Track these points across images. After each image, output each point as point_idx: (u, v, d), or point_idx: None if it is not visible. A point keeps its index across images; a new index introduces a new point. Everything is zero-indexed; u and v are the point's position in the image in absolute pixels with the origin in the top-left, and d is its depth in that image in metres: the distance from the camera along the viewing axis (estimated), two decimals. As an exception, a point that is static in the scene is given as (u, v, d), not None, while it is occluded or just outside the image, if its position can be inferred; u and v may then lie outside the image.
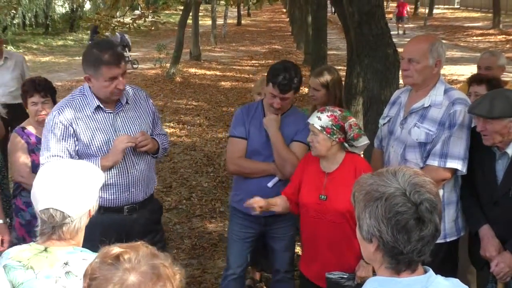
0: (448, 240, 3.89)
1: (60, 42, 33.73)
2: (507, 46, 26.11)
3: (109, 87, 3.78)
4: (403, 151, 3.90)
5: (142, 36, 33.24)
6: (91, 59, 3.77)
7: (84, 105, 3.87)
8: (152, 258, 1.75)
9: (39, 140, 4.77)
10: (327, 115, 3.73)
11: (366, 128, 5.44)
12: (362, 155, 4.68)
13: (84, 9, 38.44)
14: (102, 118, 3.88)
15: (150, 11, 13.17)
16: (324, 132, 3.71)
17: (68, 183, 2.35)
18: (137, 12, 18.66)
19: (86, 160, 3.72)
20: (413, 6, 50.09)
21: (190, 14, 23.41)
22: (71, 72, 22.90)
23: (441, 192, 3.81)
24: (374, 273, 3.70)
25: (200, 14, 27.95)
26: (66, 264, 2.29)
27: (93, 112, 3.86)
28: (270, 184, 4.31)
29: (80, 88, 3.97)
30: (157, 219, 4.35)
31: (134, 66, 22.75)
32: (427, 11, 43.69)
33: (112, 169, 3.84)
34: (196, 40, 24.46)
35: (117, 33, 21.87)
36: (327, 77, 4.89)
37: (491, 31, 31.94)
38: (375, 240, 1.90)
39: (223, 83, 19.08)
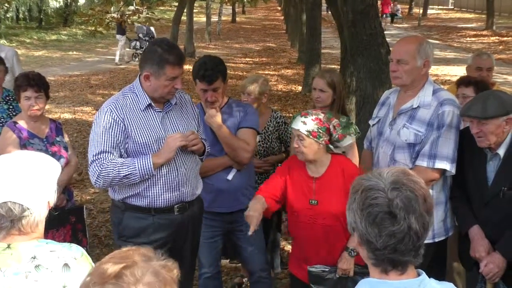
0: (436, 240, 3.90)
1: (53, 37, 33.64)
2: (500, 47, 26.22)
3: (168, 87, 3.80)
4: (392, 151, 3.90)
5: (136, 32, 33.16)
6: (155, 58, 3.75)
7: (135, 103, 3.86)
8: (150, 262, 1.69)
9: (31, 135, 4.76)
10: (311, 119, 3.72)
11: (359, 127, 5.44)
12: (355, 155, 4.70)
13: (78, 3, 38.37)
14: (152, 116, 3.88)
15: (145, 7, 13.15)
16: (311, 136, 3.69)
17: (24, 175, 2.27)
18: (131, 7, 18.70)
19: (136, 158, 3.76)
20: (408, 6, 50.25)
21: (185, 10, 23.41)
22: (64, 67, 22.88)
23: (429, 192, 3.82)
24: (355, 265, 3.77)
25: (194, 10, 27.95)
26: (34, 258, 2.22)
27: (144, 110, 3.86)
28: (229, 177, 4.35)
29: (130, 86, 3.96)
30: (201, 216, 4.37)
31: None
32: (421, 11, 43.79)
33: (162, 168, 3.82)
34: (190, 37, 24.46)
35: (143, 26, 23.25)
36: (333, 78, 4.77)
37: (484, 32, 32.06)
38: (356, 232, 1.93)
39: (216, 80, 19.01)
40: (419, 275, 1.94)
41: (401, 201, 1.85)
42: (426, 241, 3.82)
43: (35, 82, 4.71)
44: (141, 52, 23.34)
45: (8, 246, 2.25)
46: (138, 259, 1.68)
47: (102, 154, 3.72)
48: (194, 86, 4.40)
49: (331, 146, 3.82)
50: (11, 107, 5.50)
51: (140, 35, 24.37)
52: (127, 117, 3.79)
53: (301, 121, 3.72)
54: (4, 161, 2.34)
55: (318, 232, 3.79)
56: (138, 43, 24.22)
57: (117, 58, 23.88)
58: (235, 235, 4.54)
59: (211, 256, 4.57)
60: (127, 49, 24.78)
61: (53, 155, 4.80)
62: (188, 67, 20.58)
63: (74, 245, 2.37)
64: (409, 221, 1.84)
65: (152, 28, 24.17)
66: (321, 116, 3.76)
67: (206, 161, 4.30)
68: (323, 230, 3.77)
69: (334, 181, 3.70)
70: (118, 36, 23.57)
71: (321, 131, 3.71)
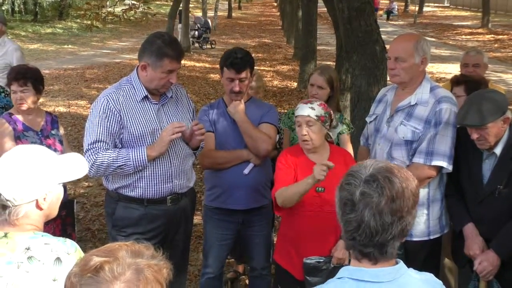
0: (431, 237, 3.91)
1: (48, 30, 33.50)
2: (495, 45, 26.28)
3: (164, 79, 3.83)
4: (390, 149, 3.91)
5: (131, 26, 33.12)
6: (154, 49, 3.79)
7: (132, 94, 3.89)
8: (135, 259, 1.68)
9: (25, 127, 4.76)
10: (317, 104, 3.81)
11: (354, 124, 5.45)
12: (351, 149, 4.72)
13: (74, -3, 38.15)
14: (148, 108, 3.91)
15: (141, 2, 13.09)
16: (319, 121, 3.76)
17: (13, 168, 2.30)
18: (127, 1, 18.67)
19: (130, 149, 3.80)
20: (404, 4, 50.26)
21: (181, 5, 23.37)
22: (59, 60, 22.80)
23: (426, 190, 3.85)
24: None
25: (190, 5, 27.93)
26: (28, 249, 2.24)
27: (140, 101, 3.89)
28: (246, 171, 4.31)
29: (128, 78, 4.00)
30: (193, 208, 4.41)
31: (213, 46, 26.89)
32: (417, 8, 43.82)
33: (156, 159, 3.86)
34: (186, 32, 24.41)
35: (201, 17, 27.40)
36: (331, 74, 4.80)
37: (480, 30, 32.12)
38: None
39: (212, 75, 19.03)
40: (396, 263, 1.97)
41: (361, 194, 1.90)
42: (421, 238, 3.85)
43: (21, 76, 4.68)
44: (197, 41, 26.71)
45: (5, 235, 2.28)
46: (122, 255, 1.68)
47: (97, 143, 3.77)
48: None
49: (329, 133, 3.88)
50: None
51: (198, 25, 26.64)
52: (123, 108, 3.83)
53: (309, 107, 3.78)
54: (10, 152, 2.39)
55: (324, 221, 3.77)
56: (196, 33, 26.88)
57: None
58: (245, 234, 4.53)
59: (219, 259, 4.56)
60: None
61: (48, 148, 4.79)
62: (183, 62, 20.54)
63: (68, 240, 2.38)
64: (363, 214, 1.89)
65: (208, 19, 27.55)
66: (323, 101, 3.89)
67: (224, 153, 4.33)
68: (331, 217, 3.73)
69: (338, 167, 3.62)
70: (179, 25, 25.51)
71: (327, 116, 3.80)
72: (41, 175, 2.35)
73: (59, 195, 2.49)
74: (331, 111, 3.89)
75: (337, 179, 3.67)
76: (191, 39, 26.07)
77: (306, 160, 3.89)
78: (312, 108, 3.78)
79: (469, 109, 3.56)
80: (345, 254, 3.76)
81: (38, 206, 2.37)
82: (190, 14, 25.56)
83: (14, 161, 2.32)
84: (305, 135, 3.78)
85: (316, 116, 3.75)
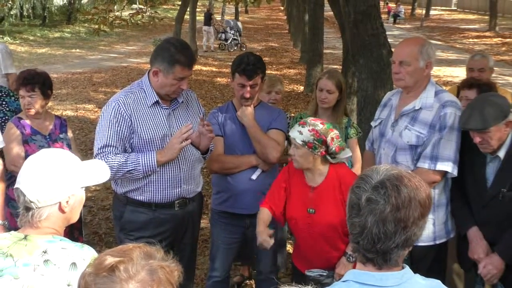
0: (437, 242, 3.90)
1: (57, 34, 33.66)
2: (503, 49, 26.23)
3: (174, 86, 3.84)
4: (394, 153, 3.90)
5: (139, 30, 33.20)
6: (166, 56, 3.80)
7: (142, 99, 3.90)
8: (148, 260, 1.71)
9: (34, 131, 4.79)
10: (308, 130, 3.62)
11: (360, 127, 5.45)
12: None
13: (82, 1, 38.34)
14: (158, 113, 3.93)
15: (148, 7, 13.14)
16: (306, 147, 3.62)
17: (38, 170, 2.35)
18: (134, 6, 18.76)
19: (140, 154, 3.81)
20: (410, 7, 50.23)
21: (188, 9, 23.44)
22: (67, 64, 22.91)
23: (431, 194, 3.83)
24: None
25: (197, 9, 28.01)
26: (45, 253, 2.28)
27: (151, 106, 3.90)
28: (254, 177, 4.33)
29: (139, 82, 4.01)
30: (201, 213, 4.44)
31: (243, 49, 27.36)
32: (424, 12, 43.76)
33: (165, 164, 3.88)
34: (193, 36, 24.47)
35: (230, 20, 29.05)
36: (340, 78, 4.80)
37: (487, 34, 32.08)
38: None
39: (219, 79, 19.07)
40: (403, 268, 1.97)
41: (367, 199, 1.90)
42: (427, 243, 3.84)
43: (27, 81, 4.72)
44: (226, 43, 28.68)
45: (25, 237, 2.32)
46: (136, 256, 1.70)
47: (106, 148, 3.79)
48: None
49: (328, 157, 3.71)
50: (3, 102, 5.50)
51: (228, 28, 27.95)
52: (134, 113, 3.84)
53: (298, 130, 3.65)
54: (38, 153, 2.44)
55: (315, 240, 3.80)
56: (223, 35, 28.44)
57: (204, 47, 27.79)
58: (252, 237, 4.51)
59: (226, 262, 4.58)
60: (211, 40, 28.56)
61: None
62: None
63: (86, 246, 2.42)
64: (366, 219, 1.90)
65: (239, 23, 28.62)
66: (319, 127, 3.64)
67: (233, 157, 4.34)
68: (320, 238, 3.77)
69: (331, 192, 3.67)
70: (205, 27, 27.30)
71: (317, 143, 3.61)
72: (65, 178, 2.39)
73: (82, 199, 2.53)
74: (328, 138, 3.66)
75: (327, 203, 3.71)
76: (218, 41, 27.98)
77: (302, 178, 3.84)
78: (300, 132, 3.63)
79: (472, 113, 3.56)
80: (347, 271, 3.75)
81: (61, 209, 2.41)
82: (213, 17, 27.74)
83: (39, 163, 2.37)
84: (292, 154, 3.73)
85: (303, 141, 3.61)
